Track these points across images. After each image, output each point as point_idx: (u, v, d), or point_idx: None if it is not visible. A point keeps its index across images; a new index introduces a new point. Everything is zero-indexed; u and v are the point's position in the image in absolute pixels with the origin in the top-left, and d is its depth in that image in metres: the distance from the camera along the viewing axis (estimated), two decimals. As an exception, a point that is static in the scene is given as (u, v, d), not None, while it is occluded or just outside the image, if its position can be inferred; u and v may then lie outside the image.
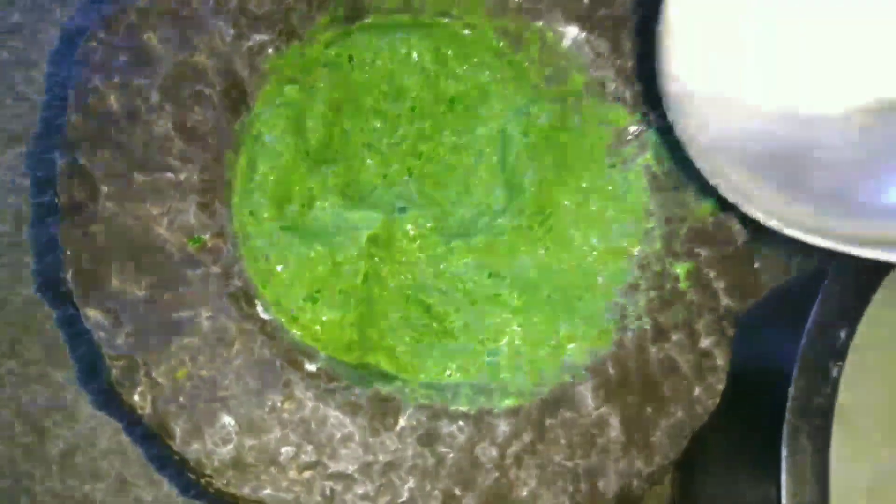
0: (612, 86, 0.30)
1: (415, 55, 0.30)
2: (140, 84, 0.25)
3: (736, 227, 0.30)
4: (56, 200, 0.24)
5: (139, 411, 0.23)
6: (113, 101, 0.25)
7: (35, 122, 0.36)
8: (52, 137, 0.36)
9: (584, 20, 0.30)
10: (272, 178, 0.27)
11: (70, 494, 0.31)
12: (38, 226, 0.34)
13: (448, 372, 0.27)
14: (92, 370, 0.32)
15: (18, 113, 0.36)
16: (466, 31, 0.31)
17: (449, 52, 0.30)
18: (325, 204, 0.28)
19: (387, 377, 0.26)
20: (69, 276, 0.23)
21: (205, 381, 0.23)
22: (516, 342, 0.28)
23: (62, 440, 0.32)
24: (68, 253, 0.23)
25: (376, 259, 0.27)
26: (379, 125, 0.30)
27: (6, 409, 0.32)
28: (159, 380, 0.23)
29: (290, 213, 0.27)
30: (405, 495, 0.24)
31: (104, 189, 0.24)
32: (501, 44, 0.31)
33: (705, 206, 0.30)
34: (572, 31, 0.30)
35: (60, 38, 0.37)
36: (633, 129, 0.30)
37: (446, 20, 0.30)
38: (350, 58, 0.29)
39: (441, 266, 0.28)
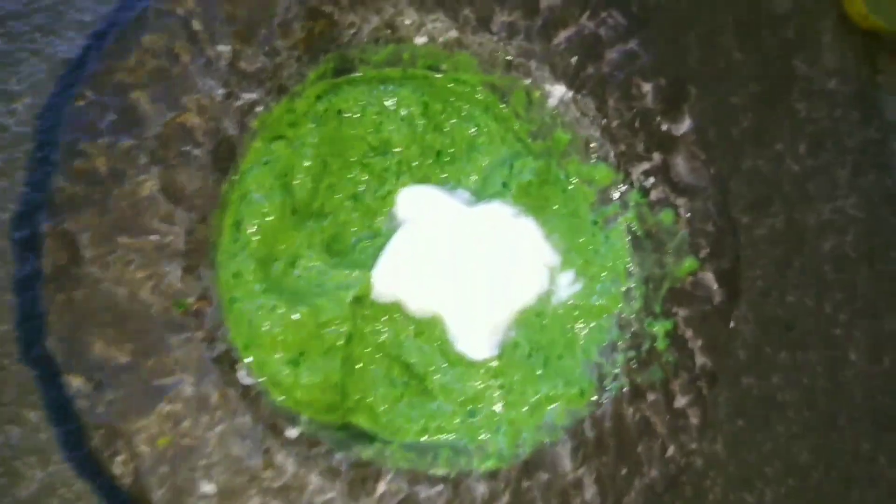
0: (596, 145, 0.31)
1: (403, 109, 0.30)
2: (127, 145, 0.25)
3: (713, 286, 0.31)
4: (38, 264, 0.24)
5: (120, 480, 0.23)
6: (99, 164, 0.25)
7: (15, 154, 0.36)
8: (30, 171, 0.35)
9: (571, 79, 0.31)
10: (257, 238, 0.27)
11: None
12: (19, 263, 0.34)
13: (427, 433, 0.27)
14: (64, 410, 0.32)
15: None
16: (455, 86, 0.31)
17: (437, 106, 0.31)
18: (310, 263, 0.28)
19: (367, 438, 0.27)
20: (51, 342, 0.23)
21: (186, 450, 0.24)
22: (495, 403, 0.28)
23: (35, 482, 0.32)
24: (51, 319, 0.24)
25: (359, 319, 0.28)
26: (366, 178, 0.30)
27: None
28: (141, 448, 0.23)
29: (275, 273, 0.27)
30: (384, 561, 0.25)
31: (88, 254, 0.24)
32: (489, 99, 0.31)
33: (684, 266, 0.30)
34: (559, 90, 0.31)
35: (44, 69, 0.36)
36: (616, 188, 0.31)
37: (436, 75, 0.31)
38: (339, 112, 0.30)
39: (422, 324, 0.29)
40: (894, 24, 0.46)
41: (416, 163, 0.31)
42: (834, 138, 0.47)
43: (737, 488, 0.41)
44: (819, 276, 0.45)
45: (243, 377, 0.25)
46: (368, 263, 0.29)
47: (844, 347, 0.44)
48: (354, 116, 0.30)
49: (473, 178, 0.31)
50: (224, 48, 0.27)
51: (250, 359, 0.26)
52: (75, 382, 0.23)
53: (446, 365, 0.28)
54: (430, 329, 0.29)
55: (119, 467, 0.23)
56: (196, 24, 0.26)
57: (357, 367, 0.28)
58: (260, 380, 0.26)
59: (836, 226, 0.46)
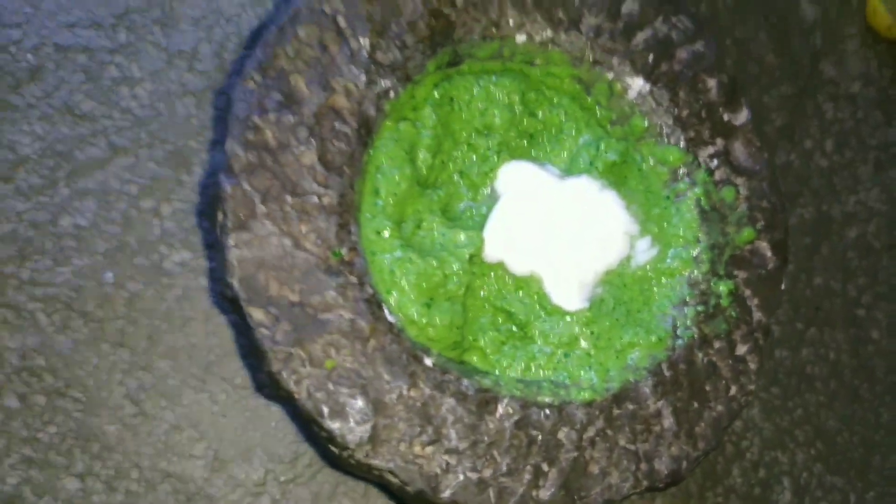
0: (668, 131, 0.36)
1: (503, 97, 0.35)
2: (290, 120, 0.30)
3: (768, 254, 0.35)
4: (221, 219, 0.29)
5: (296, 396, 0.28)
6: (269, 136, 0.30)
7: (139, 135, 0.40)
8: (155, 148, 0.40)
9: (647, 74, 0.35)
10: (391, 202, 0.32)
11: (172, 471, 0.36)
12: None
13: (530, 371, 0.32)
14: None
15: (123, 126, 0.41)
16: (547, 78, 0.36)
17: (532, 95, 0.36)
18: (432, 225, 0.33)
19: (483, 373, 0.32)
20: (235, 283, 0.28)
21: (347, 371, 0.28)
22: (587, 346, 0.33)
23: (166, 422, 0.37)
24: (235, 263, 0.28)
25: (474, 272, 0.33)
26: (472, 155, 0.35)
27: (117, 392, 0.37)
28: (312, 369, 0.28)
29: (406, 232, 0.32)
30: (504, 468, 0.29)
31: (262, 209, 0.29)
32: (576, 90, 0.36)
33: (743, 236, 0.35)
34: (637, 83, 0.35)
35: (163, 58, 0.41)
36: (684, 168, 0.36)
37: (532, 68, 0.35)
38: (451, 99, 0.35)
39: (522, 281, 0.34)
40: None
41: (514, 143, 0.36)
42: (858, 137, 0.52)
43: (771, 449, 0.45)
44: (844, 262, 0.49)
45: (388, 315, 0.30)
46: (477, 227, 0.33)
47: (867, 327, 0.49)
48: (463, 103, 0.35)
49: (563, 156, 0.36)
50: (364, 41, 0.31)
51: (392, 301, 0.30)
52: (256, 315, 0.28)
53: (544, 314, 0.33)
54: (529, 285, 0.34)
55: (295, 385, 0.28)
56: (341, 21, 0.31)
57: (469, 314, 0.33)
58: (400, 317, 0.30)
59: (860, 217, 0.51)
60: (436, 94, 0.34)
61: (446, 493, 0.28)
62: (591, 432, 0.31)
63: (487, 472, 0.29)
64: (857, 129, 0.53)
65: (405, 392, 0.29)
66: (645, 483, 0.31)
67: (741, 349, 0.34)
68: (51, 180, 0.39)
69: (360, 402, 0.28)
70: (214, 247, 0.39)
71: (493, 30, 0.34)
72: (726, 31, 0.50)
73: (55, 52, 0.41)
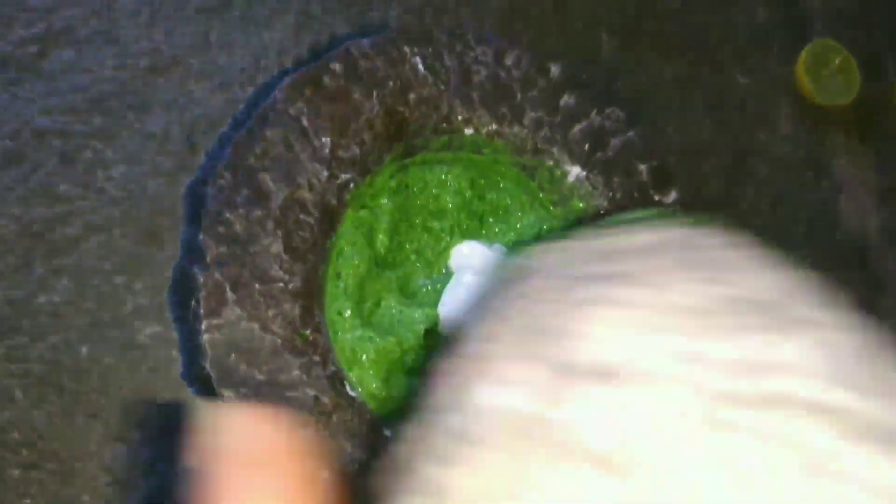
0: (604, 211, 0.39)
1: (454, 184, 0.39)
2: (258, 214, 0.33)
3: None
4: (194, 306, 0.31)
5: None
6: (238, 229, 0.33)
7: (113, 214, 0.43)
8: (128, 227, 0.43)
9: (584, 162, 0.39)
10: (352, 284, 0.35)
11: None
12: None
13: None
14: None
15: (97, 206, 0.43)
16: (494, 165, 0.39)
17: (481, 181, 0.39)
18: (390, 303, 0.36)
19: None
20: (207, 365, 0.31)
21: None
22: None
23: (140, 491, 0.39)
24: (207, 347, 0.31)
25: (430, 345, 0.36)
26: (426, 237, 0.38)
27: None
28: (279, 444, 0.31)
29: (366, 311, 0.35)
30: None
31: (232, 296, 0.32)
32: (521, 176, 0.40)
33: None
34: (575, 170, 0.39)
35: (136, 142, 0.44)
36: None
37: (480, 157, 0.39)
38: (406, 186, 0.38)
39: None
40: (835, 100, 0.56)
41: (465, 225, 0.39)
42: (790, 197, 0.56)
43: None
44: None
45: (349, 390, 0.33)
46: (432, 304, 0.36)
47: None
48: (418, 189, 0.38)
49: (510, 235, 0.39)
50: (326, 139, 0.35)
51: (354, 377, 0.33)
52: (227, 395, 0.31)
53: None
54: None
55: (263, 459, 0.30)
56: (304, 121, 0.34)
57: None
58: (360, 392, 0.33)
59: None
60: (392, 182, 0.37)
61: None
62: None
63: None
64: (790, 189, 0.57)
65: (366, 462, 0.31)
66: None
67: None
68: (27, 260, 0.41)
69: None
70: (183, 321, 0.41)
71: (444, 125, 0.37)
72: (665, 104, 0.54)
73: (32, 137, 0.44)
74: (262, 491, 0.21)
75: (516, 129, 0.38)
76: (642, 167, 0.40)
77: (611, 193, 0.39)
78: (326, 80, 0.34)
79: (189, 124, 0.45)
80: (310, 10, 0.48)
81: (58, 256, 0.42)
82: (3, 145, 0.43)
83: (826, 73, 0.57)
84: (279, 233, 0.33)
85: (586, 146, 0.39)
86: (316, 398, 0.31)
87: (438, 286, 0.37)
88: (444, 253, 0.38)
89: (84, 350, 0.41)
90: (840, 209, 0.55)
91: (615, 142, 0.39)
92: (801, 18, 0.58)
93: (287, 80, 0.34)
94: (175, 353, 0.41)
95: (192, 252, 0.40)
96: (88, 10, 0.45)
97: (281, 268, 0.33)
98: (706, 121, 0.54)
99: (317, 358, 0.32)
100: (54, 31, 0.45)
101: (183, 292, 0.40)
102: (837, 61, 0.57)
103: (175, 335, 0.41)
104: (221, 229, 0.32)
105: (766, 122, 0.57)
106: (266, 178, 0.33)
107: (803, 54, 0.56)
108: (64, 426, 0.39)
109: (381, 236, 0.36)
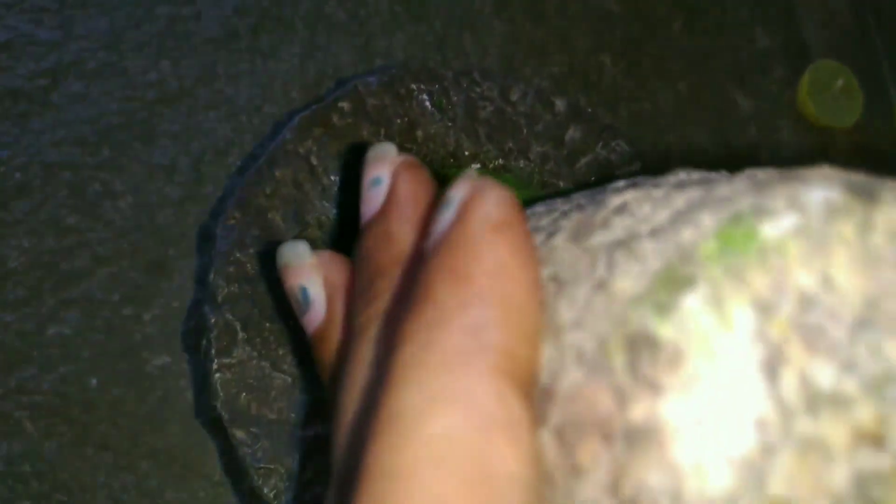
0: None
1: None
2: (268, 254, 0.33)
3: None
4: (205, 345, 0.32)
5: (276, 508, 0.31)
6: (248, 269, 0.33)
7: (121, 246, 0.43)
8: (136, 257, 0.43)
9: (589, 195, 0.40)
10: (360, 321, 0.35)
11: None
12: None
13: None
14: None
15: (106, 238, 0.43)
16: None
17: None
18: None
19: None
20: (219, 405, 0.31)
21: (323, 480, 0.31)
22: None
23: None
24: (218, 387, 0.31)
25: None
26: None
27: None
28: (290, 483, 0.31)
29: (374, 348, 0.35)
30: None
31: (242, 335, 0.32)
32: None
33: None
34: (581, 203, 0.40)
35: (143, 172, 0.44)
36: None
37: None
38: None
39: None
40: (838, 122, 0.56)
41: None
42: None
43: None
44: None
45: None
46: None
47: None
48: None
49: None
50: (334, 177, 0.35)
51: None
52: (239, 434, 0.31)
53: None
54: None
55: (275, 499, 0.31)
56: (313, 160, 0.35)
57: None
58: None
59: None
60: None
61: None
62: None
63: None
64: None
65: None
66: None
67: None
68: (37, 292, 0.42)
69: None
70: (193, 352, 0.41)
71: (451, 160, 0.38)
72: (668, 128, 0.55)
73: (41, 169, 0.44)
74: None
75: (522, 163, 0.39)
76: (647, 200, 0.40)
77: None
78: (335, 118, 0.35)
79: (196, 155, 0.46)
80: (315, 40, 0.48)
81: (67, 288, 0.42)
82: (13, 177, 0.43)
83: (828, 95, 0.57)
84: (289, 272, 0.33)
85: (592, 179, 0.39)
86: (326, 436, 0.32)
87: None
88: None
89: (93, 381, 0.41)
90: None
91: (620, 174, 0.40)
92: (802, 41, 0.59)
93: (296, 120, 0.34)
94: (183, 384, 0.41)
95: (203, 291, 0.41)
96: (97, 43, 0.46)
97: (291, 306, 0.33)
98: (709, 144, 0.55)
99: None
100: (63, 64, 0.45)
101: (196, 331, 0.40)
102: (840, 83, 0.57)
103: (185, 366, 0.41)
104: (232, 269, 0.32)
105: (768, 145, 0.57)
106: (276, 217, 0.34)
107: (806, 76, 0.56)
108: (74, 457, 0.40)
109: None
